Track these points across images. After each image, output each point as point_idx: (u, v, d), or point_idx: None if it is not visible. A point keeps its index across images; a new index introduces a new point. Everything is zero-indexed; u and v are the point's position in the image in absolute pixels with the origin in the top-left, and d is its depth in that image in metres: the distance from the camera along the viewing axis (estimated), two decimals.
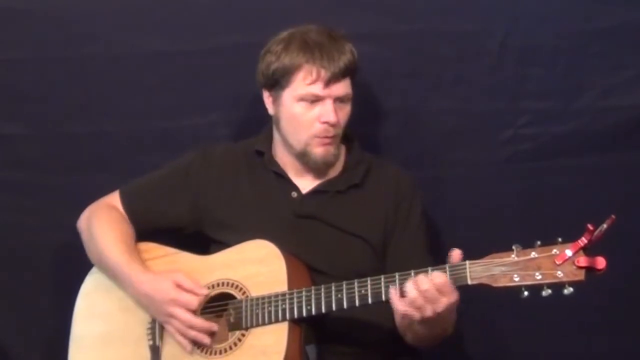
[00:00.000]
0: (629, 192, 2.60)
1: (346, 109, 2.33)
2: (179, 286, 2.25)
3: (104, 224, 2.42)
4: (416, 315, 2.05)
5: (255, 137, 2.47)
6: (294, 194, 2.37)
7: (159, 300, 2.26)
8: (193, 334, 2.24)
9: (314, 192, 2.37)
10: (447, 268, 2.05)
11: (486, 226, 2.62)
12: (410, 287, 2.05)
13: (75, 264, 2.49)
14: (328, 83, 2.28)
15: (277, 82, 2.32)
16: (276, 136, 2.40)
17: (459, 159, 2.65)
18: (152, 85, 2.73)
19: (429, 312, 2.04)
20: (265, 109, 2.39)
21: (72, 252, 2.60)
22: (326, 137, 2.31)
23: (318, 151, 2.32)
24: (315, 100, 2.29)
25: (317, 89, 2.28)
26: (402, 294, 2.06)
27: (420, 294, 2.03)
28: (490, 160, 2.64)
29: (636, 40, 2.57)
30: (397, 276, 2.10)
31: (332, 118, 2.28)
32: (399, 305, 2.06)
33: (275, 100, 2.35)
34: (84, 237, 2.45)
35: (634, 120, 2.58)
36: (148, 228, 2.44)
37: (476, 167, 2.65)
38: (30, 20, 2.72)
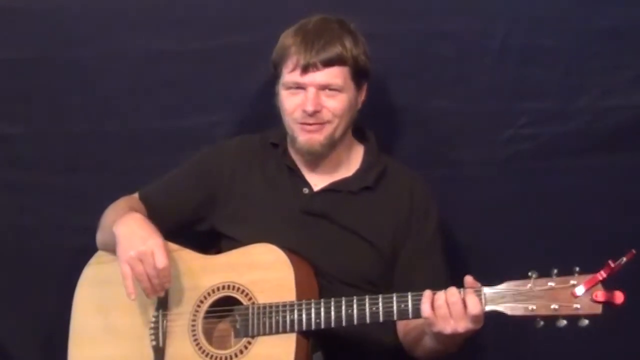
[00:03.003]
0: (629, 192, 2.59)
1: (338, 99, 2.29)
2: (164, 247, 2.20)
3: (116, 201, 2.41)
4: (436, 325, 2.03)
5: (273, 129, 2.44)
6: (305, 190, 2.35)
7: (144, 237, 2.19)
8: (156, 282, 2.18)
9: (326, 190, 2.35)
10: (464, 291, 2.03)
11: (486, 226, 2.61)
12: (440, 295, 2.04)
13: (75, 263, 2.48)
14: (305, 70, 2.27)
15: (276, 72, 2.33)
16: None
17: (459, 159, 2.65)
18: (152, 85, 2.73)
19: (448, 328, 2.02)
20: (269, 107, 2.38)
21: (72, 252, 2.60)
22: (306, 123, 2.29)
23: (302, 138, 2.31)
24: (298, 87, 2.29)
25: (295, 76, 2.28)
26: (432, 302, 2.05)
27: (447, 305, 2.02)
28: (490, 160, 2.63)
29: (636, 40, 2.56)
30: (409, 296, 2.09)
31: (307, 106, 2.27)
32: (425, 309, 2.04)
33: (278, 91, 2.35)
34: (99, 225, 2.41)
35: (634, 120, 2.57)
36: (165, 222, 2.34)
37: (476, 167, 2.64)
38: (30, 20, 2.72)
